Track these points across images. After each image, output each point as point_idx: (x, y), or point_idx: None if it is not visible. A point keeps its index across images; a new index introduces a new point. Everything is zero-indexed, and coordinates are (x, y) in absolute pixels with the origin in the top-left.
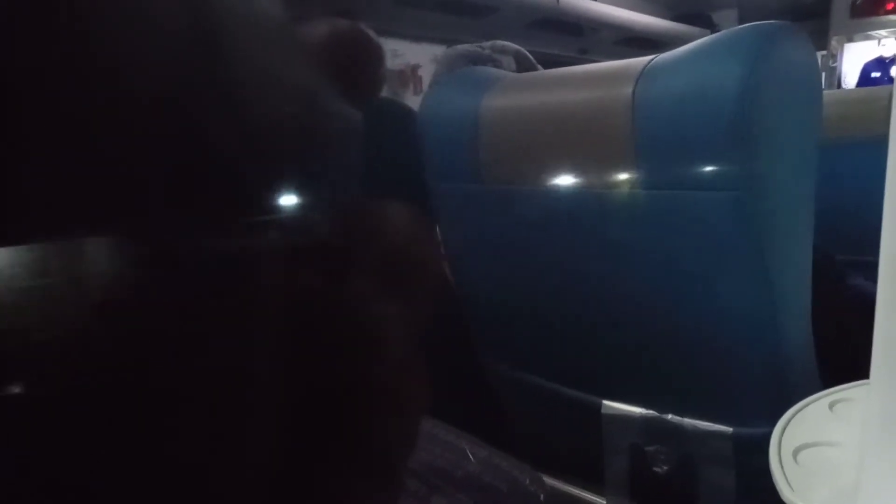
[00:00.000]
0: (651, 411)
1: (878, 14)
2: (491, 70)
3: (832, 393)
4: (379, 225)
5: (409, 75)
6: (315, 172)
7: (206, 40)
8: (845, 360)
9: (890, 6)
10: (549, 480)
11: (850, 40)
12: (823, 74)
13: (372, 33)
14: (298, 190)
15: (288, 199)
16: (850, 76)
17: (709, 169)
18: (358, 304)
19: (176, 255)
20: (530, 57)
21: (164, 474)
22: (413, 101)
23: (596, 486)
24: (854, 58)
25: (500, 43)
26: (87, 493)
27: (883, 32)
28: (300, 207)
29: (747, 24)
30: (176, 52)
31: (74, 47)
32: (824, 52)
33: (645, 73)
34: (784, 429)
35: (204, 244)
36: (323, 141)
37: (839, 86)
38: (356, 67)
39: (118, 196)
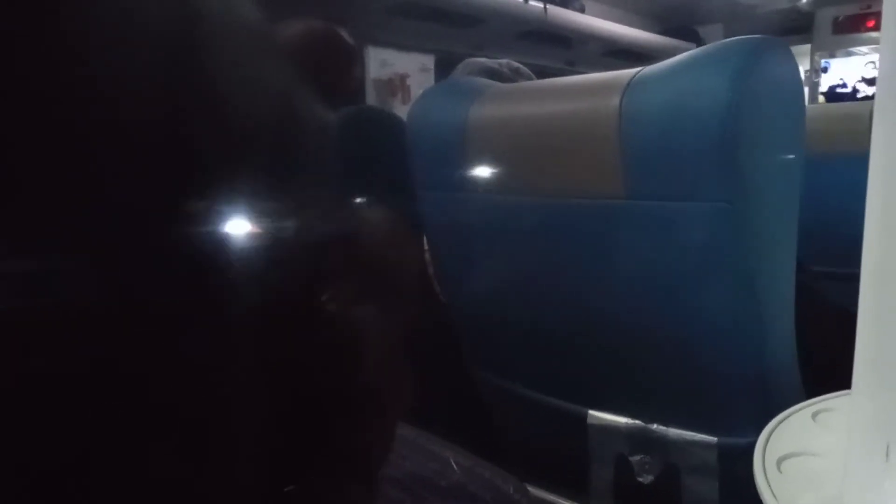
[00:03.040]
0: (636, 421)
1: (859, 31)
2: (480, 80)
3: (815, 403)
4: (359, 230)
5: (397, 85)
6: (289, 174)
7: (182, 40)
8: (828, 370)
9: (871, 24)
10: (534, 490)
11: (833, 56)
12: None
13: (346, 33)
14: (273, 192)
15: (262, 202)
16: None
17: (694, 180)
18: (335, 310)
19: (152, 257)
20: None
21: (143, 477)
22: (401, 111)
23: (581, 495)
24: (851, 72)
25: (514, 63)
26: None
27: (864, 49)
28: (275, 210)
29: (733, 38)
30: (152, 52)
31: (55, 50)
32: (808, 69)
33: (632, 85)
34: (768, 438)
35: (179, 246)
36: (296, 142)
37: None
38: (329, 67)
39: (95, 198)
